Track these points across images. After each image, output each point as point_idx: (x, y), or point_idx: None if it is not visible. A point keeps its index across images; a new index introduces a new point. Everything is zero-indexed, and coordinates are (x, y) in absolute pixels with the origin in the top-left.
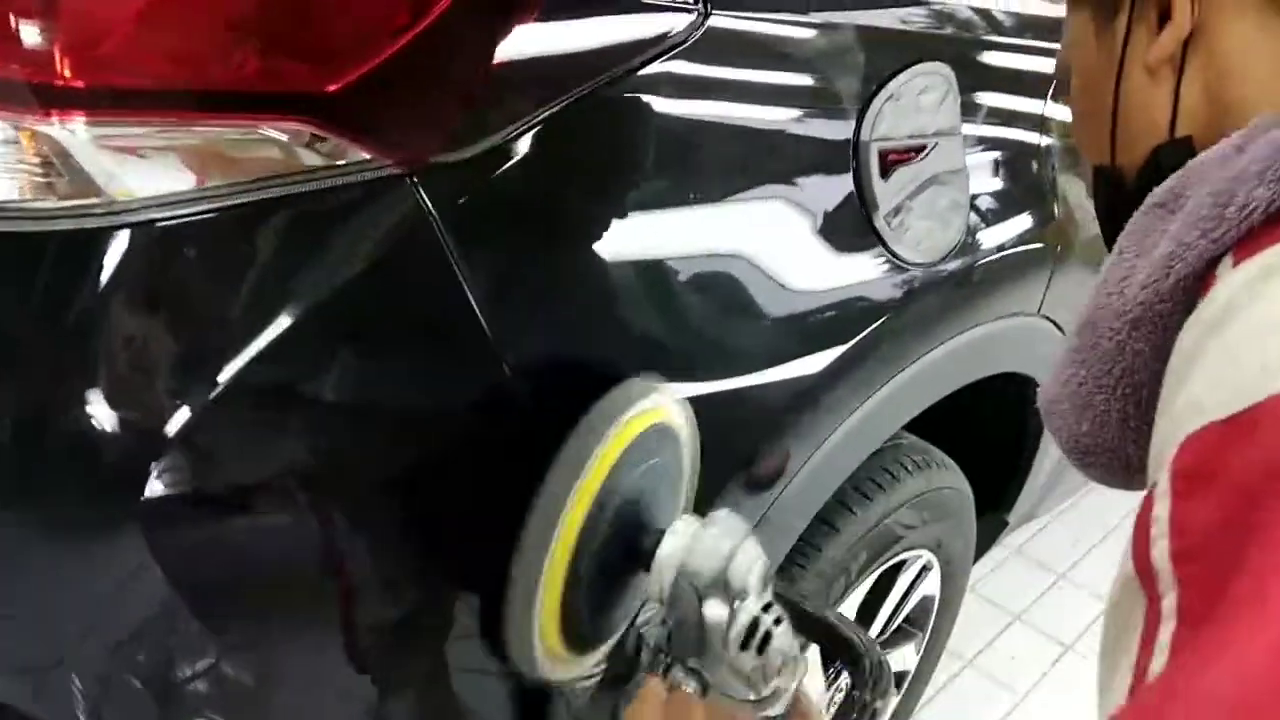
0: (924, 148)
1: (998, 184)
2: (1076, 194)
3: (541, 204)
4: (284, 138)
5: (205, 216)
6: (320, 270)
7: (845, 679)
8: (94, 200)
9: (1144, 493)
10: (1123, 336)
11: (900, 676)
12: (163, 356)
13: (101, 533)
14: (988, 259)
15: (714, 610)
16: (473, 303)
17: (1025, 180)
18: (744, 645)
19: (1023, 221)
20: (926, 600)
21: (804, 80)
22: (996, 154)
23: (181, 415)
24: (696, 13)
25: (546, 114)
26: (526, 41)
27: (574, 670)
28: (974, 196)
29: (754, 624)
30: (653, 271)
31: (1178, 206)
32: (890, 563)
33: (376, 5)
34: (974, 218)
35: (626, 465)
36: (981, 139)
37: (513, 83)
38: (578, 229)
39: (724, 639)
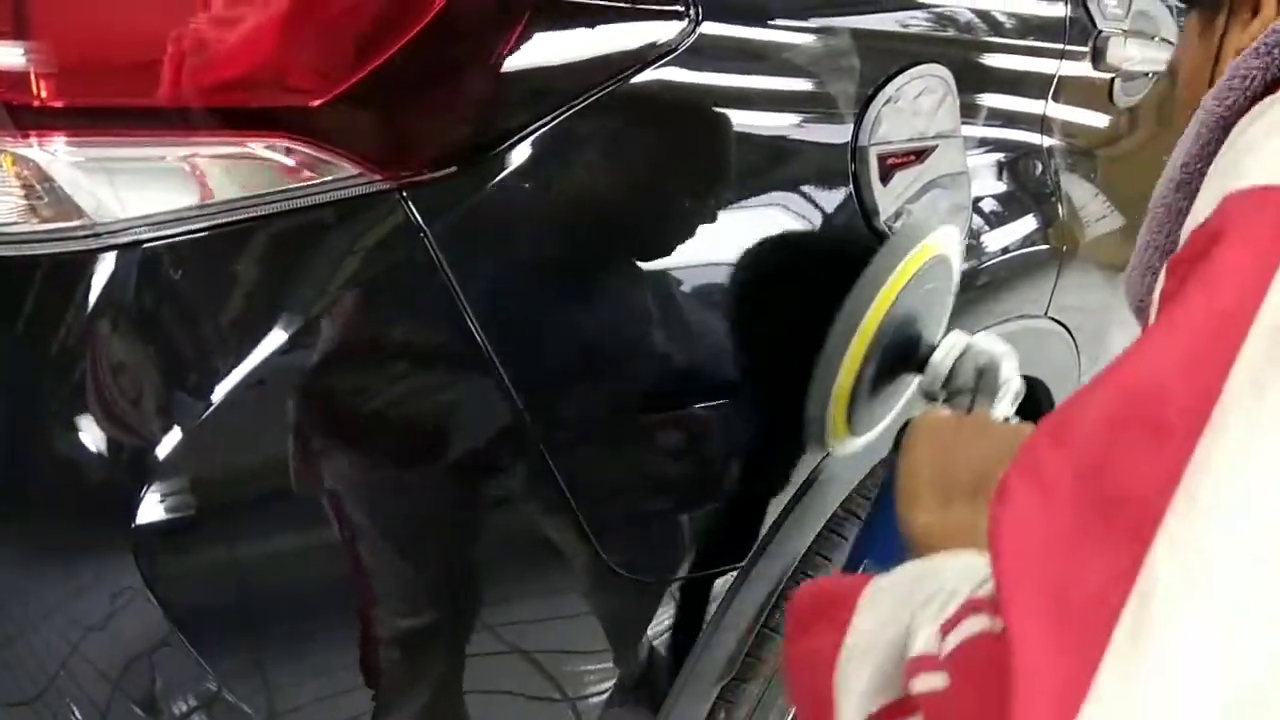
0: (924, 151)
1: (1000, 186)
2: (1081, 194)
3: (533, 216)
4: (270, 154)
5: (191, 236)
6: (310, 287)
7: None
8: (78, 223)
9: None
10: (1169, 199)
11: None
12: (152, 378)
13: (92, 557)
14: (992, 261)
15: (991, 389)
16: (467, 315)
17: (1028, 182)
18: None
19: (1027, 223)
20: None
21: (799, 86)
22: (998, 156)
23: (172, 437)
24: (688, 20)
25: (536, 125)
26: (515, 53)
27: (849, 448)
28: (976, 199)
29: (1016, 394)
30: (649, 281)
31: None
32: None
33: (361, 19)
34: (977, 220)
35: (913, 284)
36: (983, 141)
37: (501, 95)
38: (571, 240)
39: (993, 407)
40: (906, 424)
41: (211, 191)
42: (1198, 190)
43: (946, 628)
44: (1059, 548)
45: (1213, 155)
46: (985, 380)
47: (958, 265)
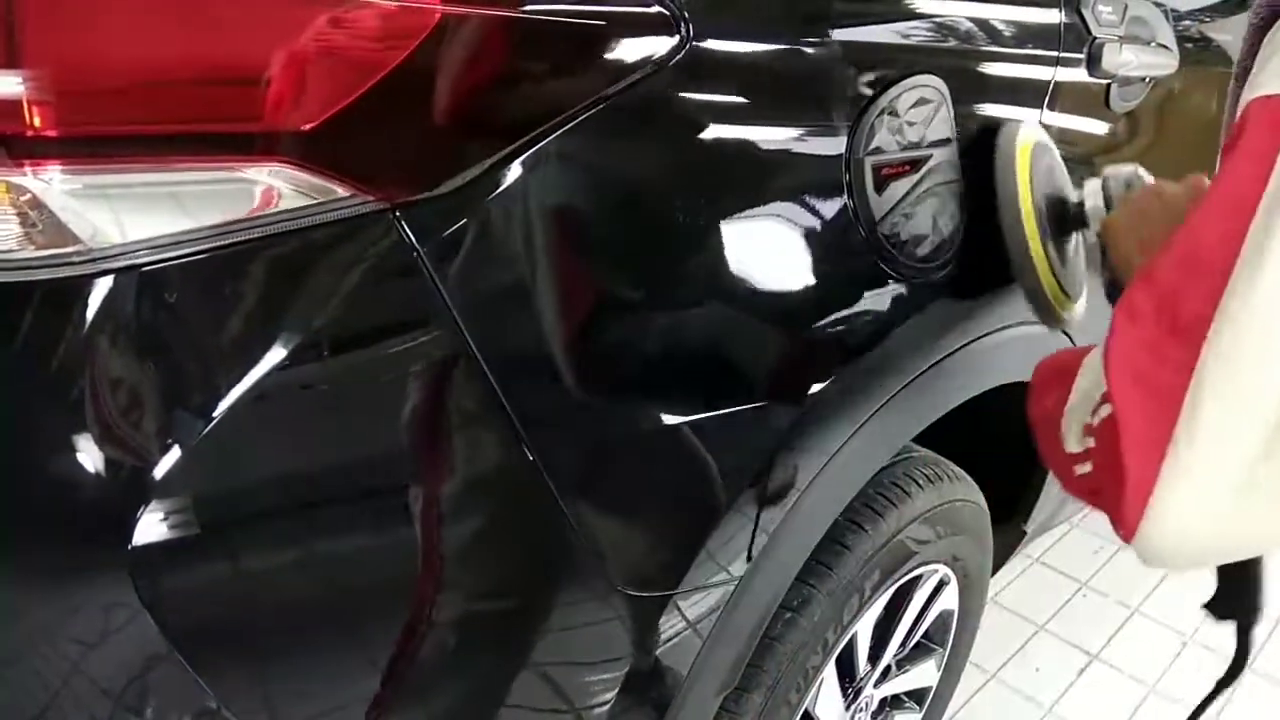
0: (918, 160)
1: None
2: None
3: (527, 233)
4: (262, 177)
5: (187, 260)
6: (305, 308)
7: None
8: (73, 249)
9: None
10: (1233, 89)
11: (922, 694)
12: (149, 402)
13: (90, 576)
14: (988, 270)
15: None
16: (462, 333)
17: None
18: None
19: None
20: (945, 615)
21: (792, 98)
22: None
23: (169, 458)
24: (679, 36)
25: (529, 143)
26: (506, 71)
27: (1075, 311)
28: (973, 208)
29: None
30: (645, 295)
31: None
32: (905, 579)
33: (352, 42)
34: (973, 229)
35: (1035, 167)
36: (978, 150)
37: (493, 113)
38: (565, 257)
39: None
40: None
41: (206, 216)
42: (1251, 45)
43: (1097, 406)
44: (1144, 356)
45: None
46: (1135, 189)
47: (1052, 144)
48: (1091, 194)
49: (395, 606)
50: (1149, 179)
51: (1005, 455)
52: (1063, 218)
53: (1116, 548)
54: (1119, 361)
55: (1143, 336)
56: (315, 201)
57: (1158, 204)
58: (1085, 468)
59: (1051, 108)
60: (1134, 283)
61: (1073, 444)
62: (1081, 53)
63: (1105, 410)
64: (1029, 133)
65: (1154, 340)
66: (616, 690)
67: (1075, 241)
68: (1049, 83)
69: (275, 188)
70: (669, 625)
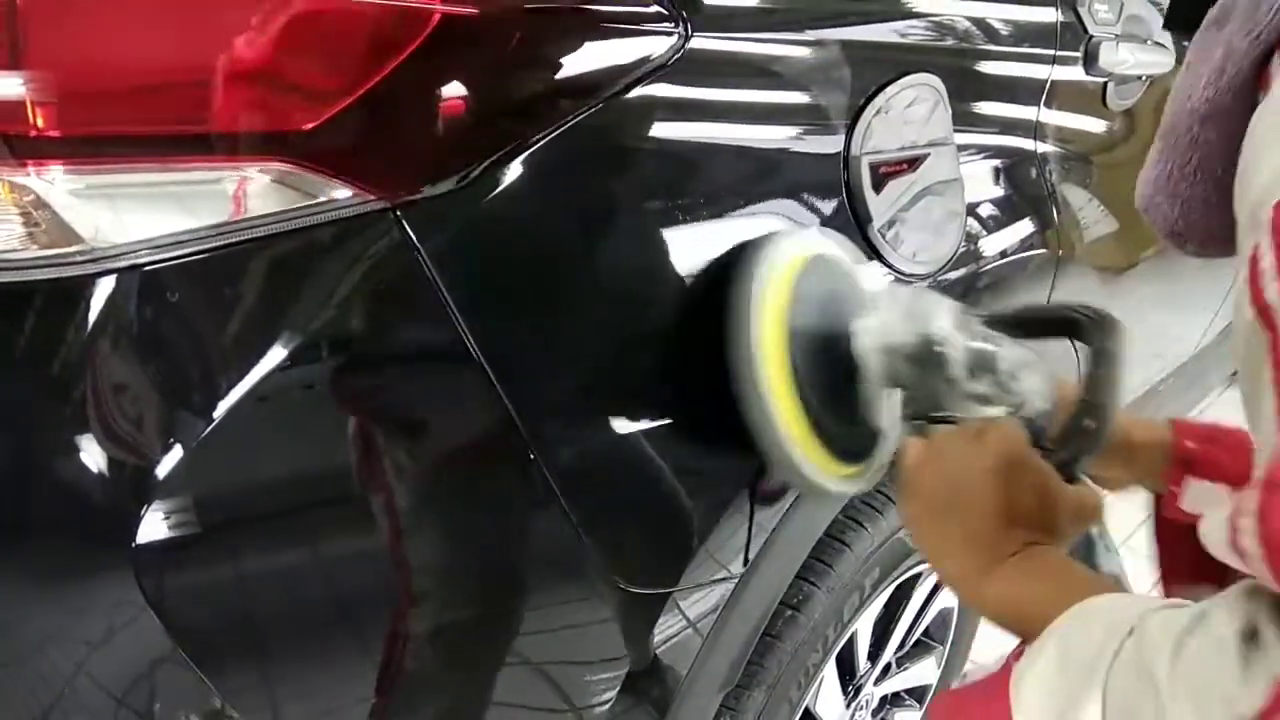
0: (916, 159)
1: (995, 192)
2: (1076, 199)
3: (526, 232)
4: (264, 177)
5: (188, 259)
6: (307, 306)
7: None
8: (75, 248)
9: (1244, 255)
10: (1195, 132)
11: (922, 691)
12: (152, 400)
13: (94, 576)
14: (988, 267)
15: (931, 364)
16: (462, 331)
17: (1023, 187)
18: (972, 374)
19: (1023, 228)
20: (945, 613)
21: (790, 97)
22: (992, 162)
23: (172, 457)
24: (677, 35)
25: (528, 142)
26: (505, 71)
27: (860, 478)
28: (971, 205)
29: (969, 352)
30: (644, 295)
31: (1227, 21)
32: (905, 576)
33: (353, 41)
34: (972, 226)
35: (797, 299)
36: (976, 148)
37: (492, 113)
38: (565, 255)
39: (954, 379)
40: None
41: (208, 215)
42: (1230, 129)
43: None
44: None
45: (1245, 91)
46: (920, 357)
47: (849, 257)
48: (862, 330)
49: (397, 605)
50: (952, 329)
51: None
52: (843, 365)
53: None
54: None
55: None
56: (316, 201)
57: (960, 472)
58: None
59: (1048, 106)
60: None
61: None
62: (1078, 51)
63: None
64: (803, 248)
65: None
66: (617, 689)
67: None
68: (1045, 81)
69: (276, 187)
70: (669, 623)
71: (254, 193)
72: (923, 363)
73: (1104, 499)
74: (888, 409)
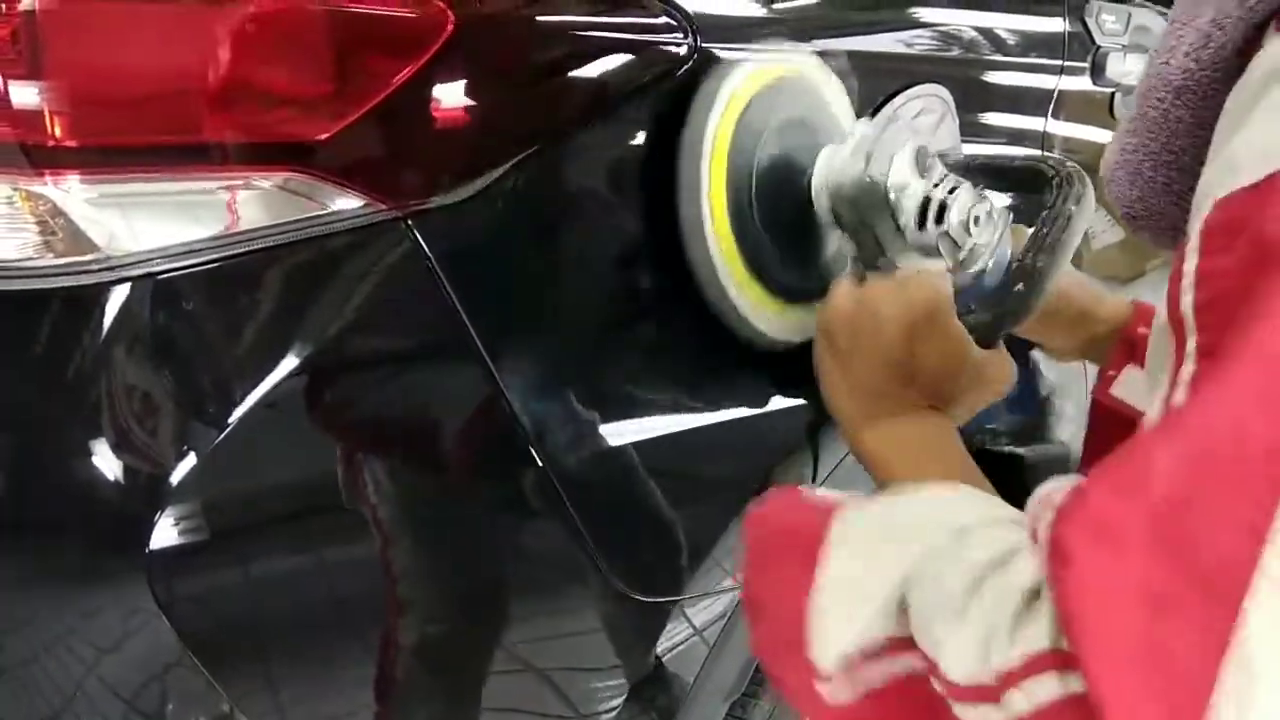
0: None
1: (1003, 202)
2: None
3: (538, 240)
4: (277, 187)
5: (202, 268)
6: (319, 316)
7: None
8: (91, 257)
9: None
10: (1166, 105)
11: None
12: (165, 407)
13: (108, 580)
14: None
15: (878, 207)
16: (475, 341)
17: (1030, 198)
18: (921, 224)
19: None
20: None
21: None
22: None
23: (186, 463)
24: (687, 45)
25: (538, 152)
26: (516, 81)
27: (795, 323)
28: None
29: (924, 202)
30: (655, 306)
31: None
32: None
33: (365, 52)
34: None
35: (751, 121)
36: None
37: (504, 122)
38: (577, 263)
39: (899, 229)
40: None
41: (221, 224)
42: (1206, 106)
43: (1007, 680)
44: (1142, 612)
45: (1230, 67)
46: (867, 201)
47: (829, 80)
48: (818, 165)
49: (404, 611)
50: (910, 174)
51: (1009, 454)
52: (792, 200)
53: None
54: (1095, 622)
55: (1136, 583)
56: (328, 211)
57: (866, 317)
58: None
59: (1055, 116)
60: (1095, 488)
61: (840, 692)
62: (1085, 62)
63: (1048, 688)
64: (779, 65)
65: (1158, 590)
66: (622, 697)
67: (821, 231)
68: (1053, 91)
69: (289, 197)
70: (675, 631)
71: (267, 202)
72: (870, 205)
73: (1014, 376)
74: (840, 252)
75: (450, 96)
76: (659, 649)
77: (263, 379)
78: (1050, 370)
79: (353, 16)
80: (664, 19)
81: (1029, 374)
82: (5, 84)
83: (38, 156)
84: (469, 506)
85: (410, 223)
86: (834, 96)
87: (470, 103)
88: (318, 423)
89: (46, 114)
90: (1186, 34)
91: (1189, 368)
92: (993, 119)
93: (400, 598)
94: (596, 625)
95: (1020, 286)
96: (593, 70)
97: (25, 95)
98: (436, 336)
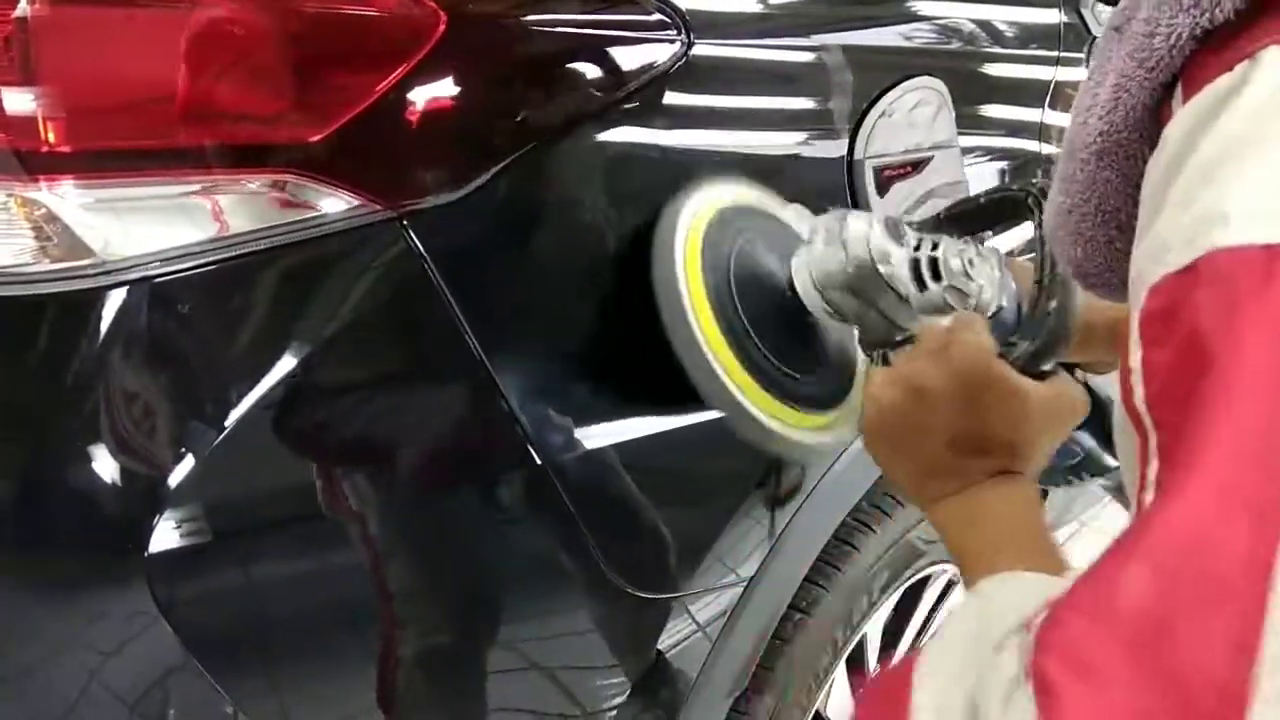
0: (920, 162)
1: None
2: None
3: (531, 238)
4: (271, 189)
5: (197, 271)
6: (314, 316)
7: None
8: (87, 261)
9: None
10: (1091, 167)
11: None
12: (163, 409)
13: (108, 584)
14: None
15: (873, 286)
16: (468, 338)
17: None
18: (921, 286)
19: (1027, 231)
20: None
21: (792, 102)
22: (997, 165)
23: (183, 467)
24: (680, 42)
25: (532, 151)
26: (509, 80)
27: (837, 426)
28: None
29: (915, 264)
30: (650, 302)
31: (1124, 31)
32: (914, 579)
33: (357, 54)
34: None
35: (713, 243)
36: (981, 150)
37: (497, 122)
38: (570, 261)
39: (902, 299)
40: None
41: (216, 227)
42: (1132, 167)
43: None
44: None
45: (1146, 128)
46: (862, 284)
47: (767, 200)
48: (796, 264)
49: (405, 611)
50: (889, 244)
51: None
52: (776, 302)
53: None
54: None
55: (1121, 710)
56: (323, 212)
57: (915, 400)
58: None
59: (1053, 107)
60: (1068, 613)
61: None
62: (1082, 52)
63: None
64: (720, 196)
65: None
66: (625, 694)
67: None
68: (1050, 83)
69: (284, 198)
70: (678, 628)
71: (261, 205)
72: (865, 288)
73: (1085, 396)
74: (848, 346)
75: (443, 96)
76: (662, 645)
77: (259, 381)
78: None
79: (345, 18)
80: (657, 15)
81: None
82: None
83: (32, 162)
84: (468, 506)
85: (405, 223)
86: (786, 210)
87: (463, 102)
88: (316, 424)
89: (40, 120)
90: (1100, 95)
91: (1154, 466)
92: (990, 111)
93: (401, 598)
94: (598, 623)
95: (1053, 304)
96: (586, 69)
97: (19, 101)
98: (433, 336)
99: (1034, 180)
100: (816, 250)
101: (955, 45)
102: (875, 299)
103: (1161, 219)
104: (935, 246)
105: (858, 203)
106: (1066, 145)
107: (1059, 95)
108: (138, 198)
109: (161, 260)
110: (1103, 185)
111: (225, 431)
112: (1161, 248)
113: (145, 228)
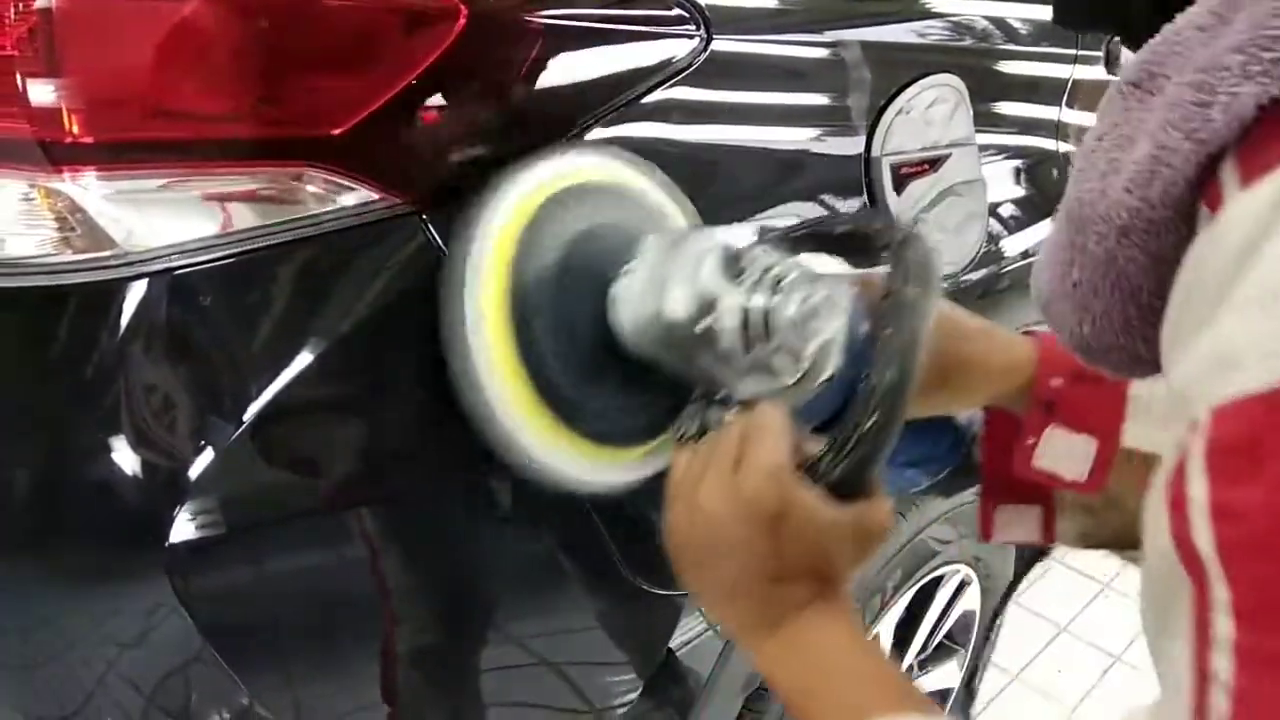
0: (937, 160)
1: (1017, 192)
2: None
3: (553, 234)
4: (293, 182)
5: (219, 263)
6: (334, 311)
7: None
8: (109, 252)
9: (1173, 453)
10: (1111, 244)
11: (945, 694)
12: (183, 402)
13: (128, 575)
14: (1011, 267)
15: (690, 344)
16: None
17: (1045, 187)
18: (748, 346)
19: (1045, 229)
20: (967, 616)
21: (811, 99)
22: (1014, 163)
23: (204, 458)
24: (699, 38)
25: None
26: (530, 76)
27: (619, 466)
28: (993, 206)
29: (744, 317)
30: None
31: (1154, 88)
32: (926, 579)
33: (378, 48)
34: (994, 227)
35: (542, 232)
36: (997, 148)
37: (516, 117)
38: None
39: (725, 355)
40: None
41: (238, 220)
42: (1162, 245)
43: None
44: None
45: (1184, 202)
46: (674, 342)
47: (650, 187)
48: (616, 297)
49: (421, 606)
50: (721, 284)
51: None
52: (596, 332)
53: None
54: None
55: None
56: (343, 205)
57: (707, 525)
58: None
59: (1070, 105)
60: None
61: None
62: (1100, 50)
63: None
64: (573, 169)
65: None
66: (638, 690)
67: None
68: (1067, 81)
69: (305, 192)
70: (691, 625)
71: (283, 197)
72: (680, 344)
73: (892, 516)
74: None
75: (463, 91)
76: (674, 643)
77: (279, 374)
78: None
79: (365, 12)
80: (676, 11)
81: (941, 422)
82: (23, 82)
83: (56, 153)
84: (486, 500)
85: (425, 217)
86: (658, 201)
87: (483, 97)
88: (334, 417)
89: (64, 111)
90: (1123, 162)
91: (1224, 625)
92: (1007, 108)
93: (416, 593)
94: (613, 619)
95: (874, 419)
96: (606, 64)
97: (43, 93)
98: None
99: (898, 224)
100: (633, 289)
101: (973, 42)
102: (692, 356)
103: (1230, 321)
104: (776, 286)
105: (874, 199)
106: (1074, 211)
107: (1076, 93)
108: (161, 189)
109: (183, 252)
110: (1125, 263)
111: (244, 424)
112: (1229, 360)
113: (168, 219)
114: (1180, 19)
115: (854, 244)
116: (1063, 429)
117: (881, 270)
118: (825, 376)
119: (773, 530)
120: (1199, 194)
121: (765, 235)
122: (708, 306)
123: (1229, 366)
